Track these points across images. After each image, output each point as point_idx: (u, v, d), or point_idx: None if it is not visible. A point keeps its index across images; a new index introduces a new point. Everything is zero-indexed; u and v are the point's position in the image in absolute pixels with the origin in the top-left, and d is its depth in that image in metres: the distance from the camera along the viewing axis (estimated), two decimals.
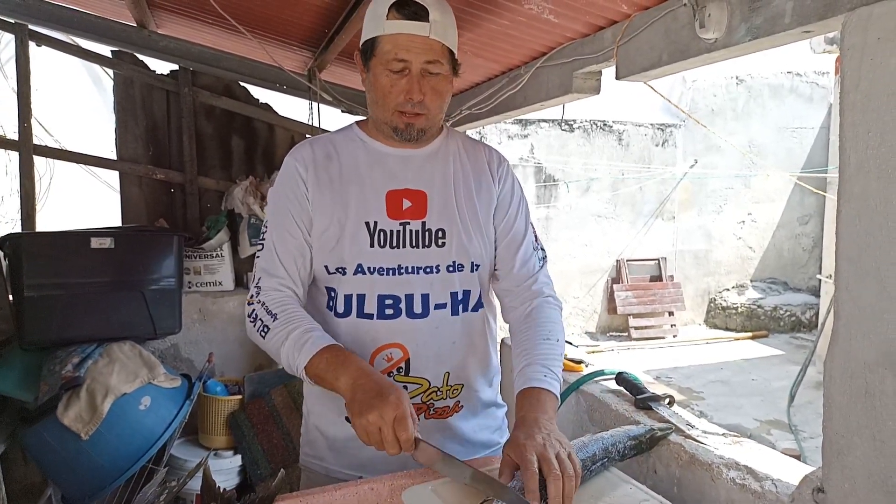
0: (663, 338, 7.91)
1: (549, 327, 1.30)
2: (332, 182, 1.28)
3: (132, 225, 3.03)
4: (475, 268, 1.33)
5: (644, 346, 7.69)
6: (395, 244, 1.27)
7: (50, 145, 4.09)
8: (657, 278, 8.25)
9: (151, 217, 3.17)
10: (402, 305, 1.26)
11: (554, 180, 7.76)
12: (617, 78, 1.57)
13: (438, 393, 1.32)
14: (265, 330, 1.21)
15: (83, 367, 2.37)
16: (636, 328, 7.90)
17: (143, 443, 2.42)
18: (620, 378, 1.57)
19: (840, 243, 0.93)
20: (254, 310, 1.25)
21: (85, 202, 5.04)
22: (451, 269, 1.30)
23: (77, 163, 3.18)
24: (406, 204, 1.29)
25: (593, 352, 7.23)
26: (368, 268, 1.26)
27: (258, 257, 1.30)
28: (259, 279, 1.27)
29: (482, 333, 1.37)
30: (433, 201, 1.30)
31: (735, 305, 8.42)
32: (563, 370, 1.76)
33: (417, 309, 1.27)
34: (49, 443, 2.32)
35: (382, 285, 1.26)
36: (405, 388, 1.27)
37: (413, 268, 1.27)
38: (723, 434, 1.32)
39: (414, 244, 1.27)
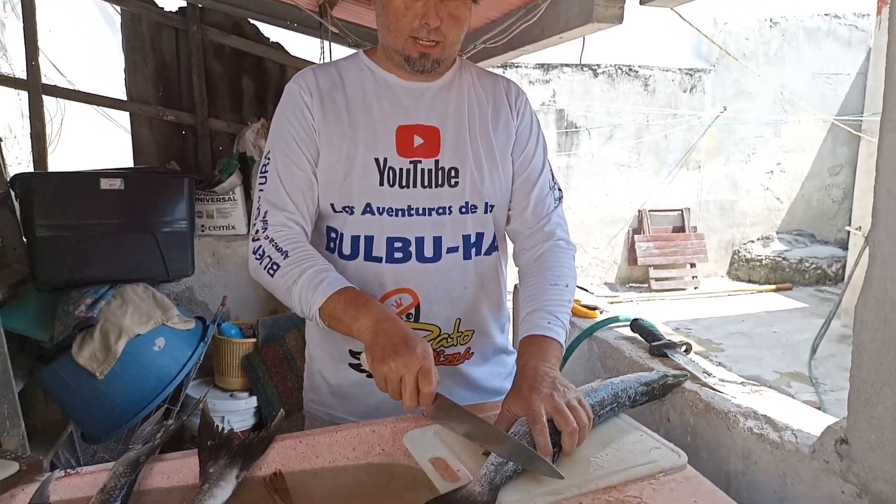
0: (684, 289, 7.82)
1: (559, 272, 1.24)
2: (338, 112, 1.20)
3: (142, 166, 2.99)
4: (489, 209, 1.26)
5: (664, 298, 7.61)
6: (405, 183, 1.20)
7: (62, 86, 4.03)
8: (680, 229, 8.10)
9: (163, 159, 3.13)
10: (413, 249, 1.21)
11: (576, 127, 7.57)
12: (641, 3, 1.45)
13: (449, 339, 1.27)
14: (274, 268, 1.14)
15: (96, 308, 2.38)
16: (657, 279, 7.82)
17: (158, 383, 2.45)
18: (636, 325, 1.52)
19: (880, 177, 0.85)
20: (260, 246, 1.17)
21: (99, 144, 5.02)
22: (463, 210, 1.23)
23: (86, 103, 3.14)
24: (417, 141, 1.21)
25: (612, 302, 7.18)
26: (377, 208, 1.19)
27: (261, 190, 1.22)
28: (265, 213, 1.19)
29: (494, 278, 1.32)
30: (446, 138, 1.22)
31: (759, 257, 8.26)
32: (576, 316, 1.71)
33: (428, 252, 1.21)
34: (65, 381, 2.35)
35: (392, 227, 1.20)
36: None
37: (424, 209, 1.20)
38: (741, 383, 1.27)
39: (425, 184, 1.20)
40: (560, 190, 1.36)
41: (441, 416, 1.02)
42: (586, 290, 1.90)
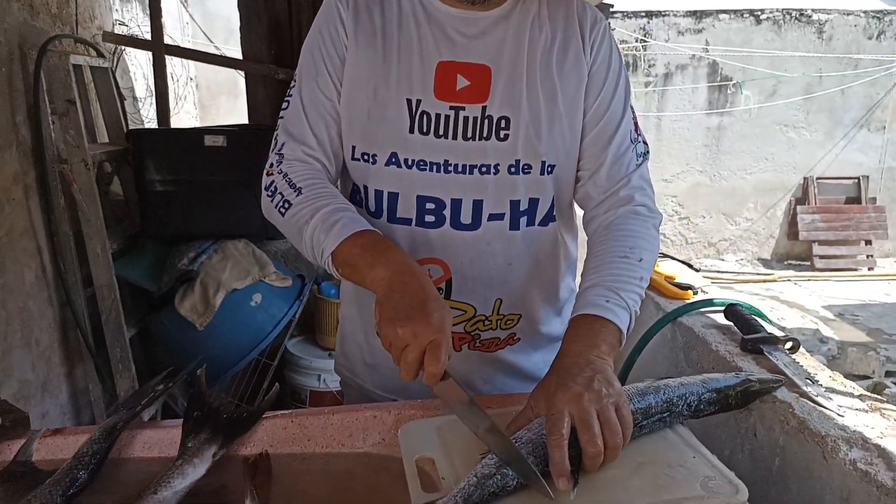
0: (856, 270, 6.83)
1: (632, 242, 1.00)
2: (373, 34, 1.01)
3: (246, 123, 3.05)
4: (548, 170, 1.03)
5: (829, 279, 6.69)
6: (441, 133, 1.00)
7: (202, 49, 4.24)
8: (854, 200, 7.05)
9: (276, 118, 3.17)
10: (447, 212, 1.02)
11: (731, 81, 6.77)
12: None
13: (486, 323, 1.08)
14: (285, 206, 0.99)
15: (198, 262, 2.46)
16: (821, 257, 6.89)
17: (254, 338, 2.50)
18: (731, 311, 1.23)
19: None
20: (273, 182, 1.03)
21: (230, 104, 5.28)
22: (513, 169, 1.01)
23: (202, 62, 3.24)
24: (462, 82, 1.01)
25: (764, 280, 6.45)
26: (405, 160, 1.01)
27: (282, 118, 1.07)
28: (282, 145, 1.04)
29: (552, 255, 1.10)
30: (498, 80, 1.00)
31: None
32: (663, 296, 1.44)
33: (465, 218, 1.02)
34: (170, 331, 2.47)
35: (423, 184, 1.02)
36: None
37: (464, 166, 1.00)
38: (858, 395, 0.96)
39: (468, 135, 1.00)
40: (645, 143, 1.10)
41: (448, 400, 0.85)
42: (687, 264, 1.61)
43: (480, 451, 0.81)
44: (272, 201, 1.02)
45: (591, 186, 1.07)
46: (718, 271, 6.56)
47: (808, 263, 7.02)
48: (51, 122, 2.23)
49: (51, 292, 2.32)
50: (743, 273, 6.69)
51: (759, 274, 6.69)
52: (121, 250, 2.60)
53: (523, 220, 1.04)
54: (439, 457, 0.84)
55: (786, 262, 7.22)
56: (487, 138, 1.00)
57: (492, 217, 1.02)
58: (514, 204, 1.03)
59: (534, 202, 1.04)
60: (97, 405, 2.45)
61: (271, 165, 1.05)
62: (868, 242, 6.95)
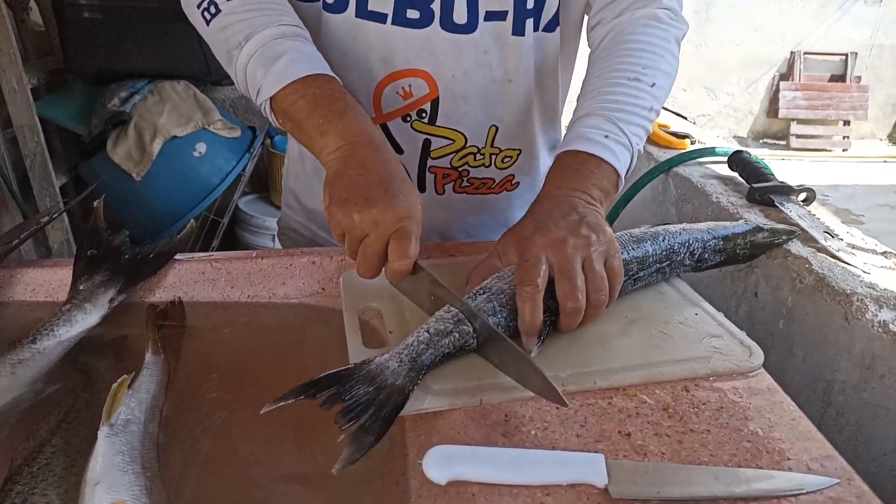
0: (830, 150, 6.74)
1: (645, 60, 0.76)
2: None
3: None
4: None
5: (803, 158, 6.60)
6: None
7: None
8: (839, 78, 6.83)
9: None
10: (436, 7, 0.76)
11: None
12: None
13: (478, 157, 0.88)
14: (212, 9, 0.73)
15: (130, 103, 2.18)
16: (798, 136, 6.75)
17: (199, 191, 2.29)
18: (737, 159, 1.06)
19: None
20: None
21: None
22: None
23: None
24: None
25: None
26: None
27: None
28: None
29: (554, 72, 0.87)
30: None
31: None
32: (656, 145, 1.26)
33: (459, 17, 0.77)
34: (103, 179, 2.23)
35: None
36: (428, 141, 0.86)
37: None
38: (882, 252, 0.83)
39: None
40: None
41: (415, 297, 0.68)
42: (681, 116, 1.42)
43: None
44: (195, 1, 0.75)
45: None
46: None
47: (784, 143, 6.91)
48: None
49: None
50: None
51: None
52: (46, 89, 2.29)
53: (529, 21, 0.79)
54: (387, 308, 0.68)
55: (762, 141, 7.08)
56: None
57: (490, 16, 0.78)
58: (519, 2, 0.78)
59: (540, 1, 0.79)
60: (27, 258, 2.25)
61: None
62: (847, 123, 6.83)
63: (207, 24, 0.74)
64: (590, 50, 0.84)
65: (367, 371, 0.54)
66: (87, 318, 0.71)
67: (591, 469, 0.47)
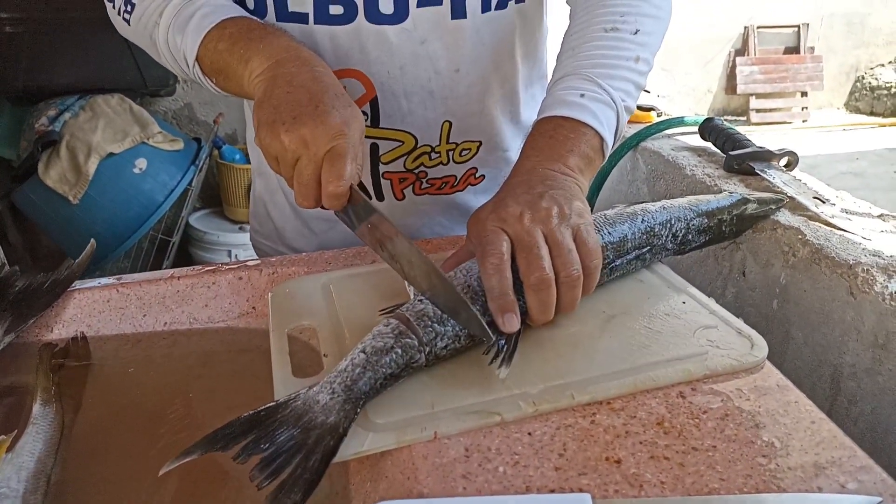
0: (790, 123, 6.78)
1: (624, 7, 0.67)
2: None
3: None
4: None
5: (765, 132, 6.63)
6: None
7: None
8: (793, 50, 6.86)
9: None
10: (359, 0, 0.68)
11: None
12: None
13: (434, 156, 0.78)
14: (128, 6, 0.67)
15: (60, 121, 2.03)
16: (758, 111, 6.77)
17: (143, 210, 2.14)
18: (708, 126, 0.98)
19: None
20: None
21: None
22: None
23: None
24: None
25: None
26: None
27: None
28: None
29: (510, 53, 0.77)
30: None
31: (888, 85, 6.96)
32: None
33: (386, 7, 0.67)
34: (39, 206, 2.08)
35: None
36: (375, 145, 0.76)
37: None
38: (878, 216, 0.74)
39: None
40: None
41: (347, 220, 0.57)
42: (645, 91, 1.33)
43: (380, 309, 0.55)
44: (113, 6, 0.70)
45: None
46: None
47: (745, 118, 6.94)
48: None
49: None
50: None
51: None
52: None
53: (475, 3, 0.70)
54: (323, 326, 0.58)
55: (722, 118, 7.11)
56: None
57: (424, 1, 0.68)
58: None
59: None
60: None
61: None
62: (804, 94, 6.88)
63: (129, 24, 0.69)
64: (569, 7, 0.74)
65: (293, 409, 0.44)
66: None
67: None
